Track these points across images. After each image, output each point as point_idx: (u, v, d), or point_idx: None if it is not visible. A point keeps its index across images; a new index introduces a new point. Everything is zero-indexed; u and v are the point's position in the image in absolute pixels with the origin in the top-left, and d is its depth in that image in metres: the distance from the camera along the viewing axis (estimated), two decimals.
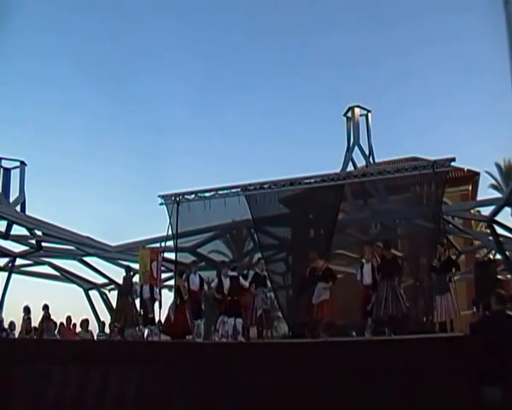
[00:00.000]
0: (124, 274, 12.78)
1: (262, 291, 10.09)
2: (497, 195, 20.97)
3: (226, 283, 10.20)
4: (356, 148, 16.59)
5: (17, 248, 17.45)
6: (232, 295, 10.08)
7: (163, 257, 13.22)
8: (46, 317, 13.30)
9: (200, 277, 11.08)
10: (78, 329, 13.62)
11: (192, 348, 9.45)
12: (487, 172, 24.76)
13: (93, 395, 8.76)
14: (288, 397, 7.33)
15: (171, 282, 14.30)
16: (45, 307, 13.40)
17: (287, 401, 7.32)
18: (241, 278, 10.44)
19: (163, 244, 13.72)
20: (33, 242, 17.10)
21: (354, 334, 10.67)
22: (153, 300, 11.44)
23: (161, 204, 13.36)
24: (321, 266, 9.96)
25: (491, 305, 5.94)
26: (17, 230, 16.25)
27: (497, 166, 25.65)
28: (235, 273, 10.46)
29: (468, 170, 21.70)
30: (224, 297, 10.19)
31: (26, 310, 13.36)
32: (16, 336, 13.11)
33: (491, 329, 5.55)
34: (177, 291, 10.79)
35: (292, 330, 10.66)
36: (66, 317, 13.73)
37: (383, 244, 9.80)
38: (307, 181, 12.70)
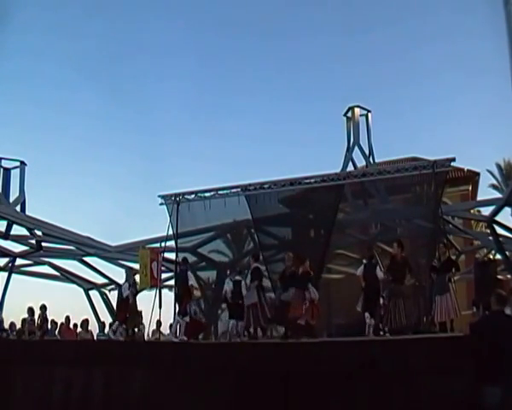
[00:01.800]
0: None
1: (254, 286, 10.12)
2: (497, 195, 20.96)
3: (229, 286, 10.31)
4: (356, 148, 16.59)
5: (17, 248, 17.46)
6: (236, 299, 10.21)
7: (163, 257, 13.22)
8: (44, 317, 13.27)
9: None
10: (79, 329, 13.62)
11: (191, 348, 9.45)
12: (488, 171, 24.77)
13: (94, 395, 8.75)
14: (288, 398, 7.32)
15: (171, 282, 14.32)
16: (43, 308, 13.37)
17: (286, 402, 7.32)
18: (242, 284, 10.43)
19: (163, 244, 13.74)
20: (33, 242, 17.10)
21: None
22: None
23: (161, 204, 13.38)
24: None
25: (490, 305, 5.94)
26: (17, 230, 16.27)
27: (498, 166, 25.66)
28: (239, 278, 10.53)
29: (468, 170, 21.69)
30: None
31: (30, 311, 13.34)
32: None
33: (490, 329, 5.55)
34: None
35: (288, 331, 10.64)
36: (64, 317, 13.71)
37: (397, 243, 9.76)
38: (307, 181, 12.71)
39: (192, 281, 10.93)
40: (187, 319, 10.55)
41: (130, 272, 11.93)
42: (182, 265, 11.19)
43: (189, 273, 10.96)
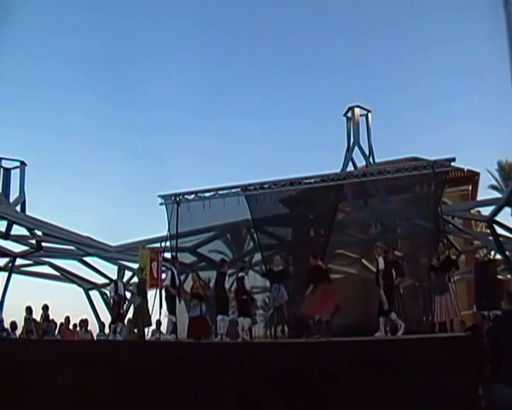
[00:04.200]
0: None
1: (275, 288, 10.16)
2: (497, 195, 20.96)
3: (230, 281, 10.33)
4: (356, 148, 16.61)
5: (17, 248, 17.46)
6: (241, 294, 10.19)
7: (163, 257, 13.22)
8: (46, 317, 13.29)
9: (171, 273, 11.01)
10: (78, 329, 13.62)
11: (192, 347, 9.46)
12: (488, 171, 24.76)
13: (93, 395, 8.75)
14: (287, 398, 7.32)
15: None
16: (45, 308, 13.39)
17: (286, 402, 7.32)
18: (245, 279, 10.46)
19: (163, 244, 13.74)
20: (33, 242, 17.10)
21: None
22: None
23: (161, 204, 13.40)
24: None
25: (496, 305, 5.95)
26: (17, 230, 16.27)
27: (498, 166, 25.65)
28: (242, 274, 10.52)
29: (468, 170, 21.71)
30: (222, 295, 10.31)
31: (29, 310, 13.33)
32: (17, 336, 13.09)
33: (500, 328, 5.55)
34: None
35: (291, 330, 10.67)
36: (64, 317, 13.70)
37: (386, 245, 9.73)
38: (307, 181, 12.74)
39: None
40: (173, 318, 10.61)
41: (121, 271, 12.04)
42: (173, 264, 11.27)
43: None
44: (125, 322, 11.85)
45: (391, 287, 9.21)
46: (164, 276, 11.49)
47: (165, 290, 10.83)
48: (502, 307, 5.90)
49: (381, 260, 9.27)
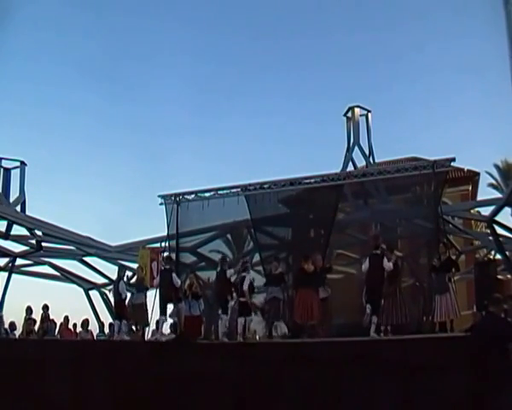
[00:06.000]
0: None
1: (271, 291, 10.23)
2: (497, 195, 20.96)
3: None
4: (356, 148, 16.60)
5: (17, 248, 17.45)
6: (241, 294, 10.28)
7: (163, 257, 13.22)
8: (46, 317, 13.29)
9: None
10: (79, 329, 13.62)
11: (191, 347, 9.45)
12: (487, 173, 24.79)
13: (93, 395, 8.75)
14: (284, 397, 7.33)
15: None
16: (45, 308, 13.39)
17: (282, 400, 7.33)
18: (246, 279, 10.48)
19: (163, 244, 13.74)
20: (33, 242, 17.10)
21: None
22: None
23: (161, 204, 13.39)
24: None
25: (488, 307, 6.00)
26: (17, 230, 16.27)
27: (497, 166, 25.67)
28: (244, 274, 10.52)
29: (468, 170, 21.71)
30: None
31: (29, 311, 13.34)
32: (17, 336, 13.10)
33: (480, 331, 5.62)
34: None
35: (291, 330, 10.66)
36: (63, 317, 13.70)
37: (386, 246, 9.72)
38: (307, 181, 12.73)
39: (175, 282, 10.80)
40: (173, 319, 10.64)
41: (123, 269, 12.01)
42: (166, 264, 11.24)
43: (174, 275, 10.88)
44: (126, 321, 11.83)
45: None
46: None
47: (162, 291, 10.82)
48: (488, 309, 5.94)
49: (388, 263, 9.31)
